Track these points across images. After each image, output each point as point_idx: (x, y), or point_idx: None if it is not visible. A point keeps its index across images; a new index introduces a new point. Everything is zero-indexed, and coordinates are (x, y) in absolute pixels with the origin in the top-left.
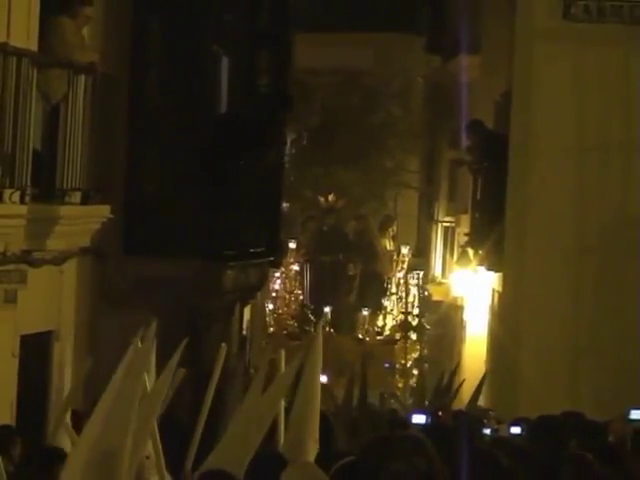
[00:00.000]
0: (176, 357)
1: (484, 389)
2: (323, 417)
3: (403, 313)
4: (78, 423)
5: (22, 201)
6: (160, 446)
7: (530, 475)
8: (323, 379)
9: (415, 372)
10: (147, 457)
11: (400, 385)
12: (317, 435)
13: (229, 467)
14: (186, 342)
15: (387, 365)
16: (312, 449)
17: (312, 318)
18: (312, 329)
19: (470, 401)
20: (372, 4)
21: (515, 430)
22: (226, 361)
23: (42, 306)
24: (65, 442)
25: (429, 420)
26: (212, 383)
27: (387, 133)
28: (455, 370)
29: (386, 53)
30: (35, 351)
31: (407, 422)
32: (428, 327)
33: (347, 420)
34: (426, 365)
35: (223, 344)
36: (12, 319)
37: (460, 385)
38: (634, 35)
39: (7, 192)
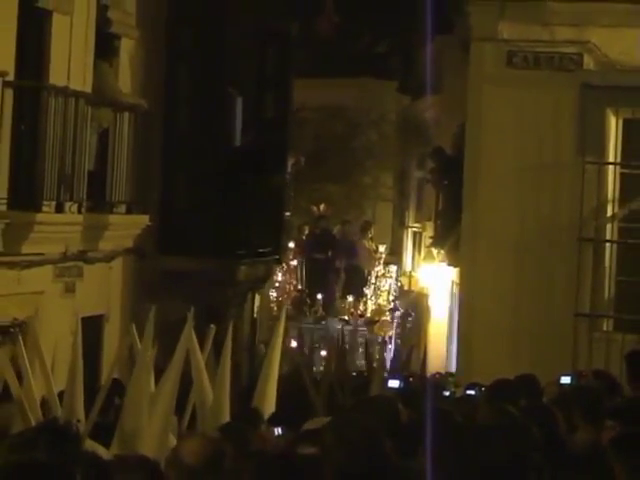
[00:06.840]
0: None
1: (454, 358)
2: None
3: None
4: (118, 390)
5: (79, 211)
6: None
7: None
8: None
9: (390, 347)
10: None
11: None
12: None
13: None
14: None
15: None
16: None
17: (308, 301)
18: (308, 311)
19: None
20: (353, 55)
21: (470, 392)
22: (240, 339)
23: (95, 295)
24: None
25: (402, 385)
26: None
27: (366, 155)
28: (413, 345)
29: (365, 93)
30: (90, 330)
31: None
32: (400, 310)
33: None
34: (398, 341)
35: (212, 325)
36: (72, 305)
37: (425, 355)
38: (563, 80)
39: (67, 204)
